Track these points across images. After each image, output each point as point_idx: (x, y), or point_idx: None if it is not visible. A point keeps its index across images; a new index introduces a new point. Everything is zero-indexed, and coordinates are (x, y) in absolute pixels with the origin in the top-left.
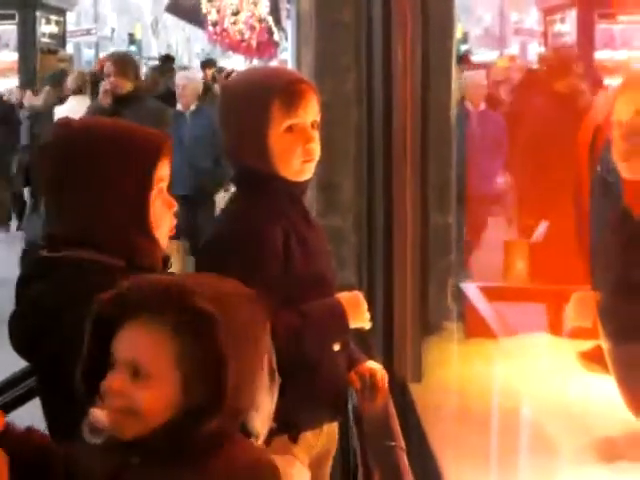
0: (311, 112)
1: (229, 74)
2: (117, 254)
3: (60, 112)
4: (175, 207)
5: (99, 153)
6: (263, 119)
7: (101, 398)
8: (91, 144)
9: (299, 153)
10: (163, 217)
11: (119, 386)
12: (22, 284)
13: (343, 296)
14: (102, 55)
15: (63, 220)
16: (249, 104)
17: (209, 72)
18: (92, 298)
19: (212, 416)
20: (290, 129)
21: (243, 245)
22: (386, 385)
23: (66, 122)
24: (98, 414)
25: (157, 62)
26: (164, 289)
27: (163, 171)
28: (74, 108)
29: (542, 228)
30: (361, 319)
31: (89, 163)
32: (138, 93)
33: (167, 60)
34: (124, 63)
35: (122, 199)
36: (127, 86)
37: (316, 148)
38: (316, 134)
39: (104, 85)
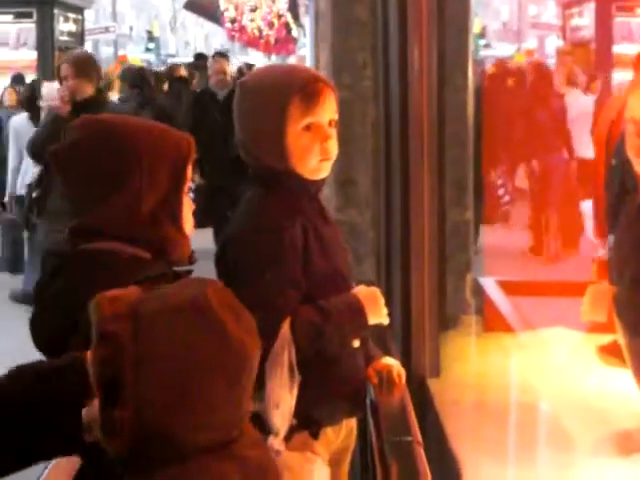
0: (329, 110)
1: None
2: (148, 247)
3: (15, 122)
4: (194, 207)
5: (135, 149)
6: (281, 117)
7: None
8: (126, 140)
9: (317, 151)
10: (188, 215)
11: None
12: (47, 279)
13: (361, 292)
14: (121, 53)
15: (91, 213)
16: (267, 102)
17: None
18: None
19: (115, 440)
20: (308, 127)
21: (263, 242)
22: (403, 380)
23: (98, 118)
24: None
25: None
26: None
27: (190, 171)
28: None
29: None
30: (379, 315)
31: (124, 158)
32: (100, 97)
33: (201, 58)
34: (84, 64)
35: (158, 194)
36: (88, 90)
37: (334, 147)
38: (334, 132)
39: (60, 91)
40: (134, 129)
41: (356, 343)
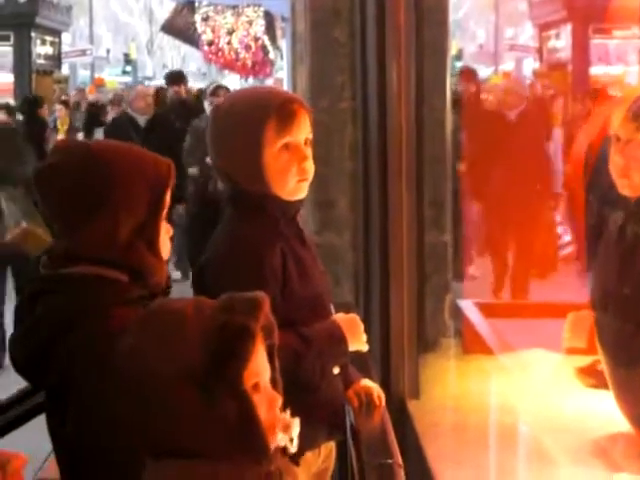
0: (304, 130)
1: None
2: (126, 271)
3: None
4: (171, 233)
5: (114, 174)
6: (258, 139)
7: None
8: (107, 165)
9: (294, 172)
10: (165, 240)
11: None
12: (28, 302)
13: (341, 319)
14: (97, 75)
15: (70, 237)
16: (243, 124)
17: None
18: (100, 313)
19: None
20: (285, 147)
21: (241, 266)
22: (383, 403)
23: (76, 143)
24: None
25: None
26: None
27: (168, 197)
28: None
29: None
30: (359, 342)
31: (103, 183)
32: None
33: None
34: None
35: (136, 219)
36: None
37: (311, 166)
38: (309, 152)
39: None
40: (114, 153)
41: (336, 370)
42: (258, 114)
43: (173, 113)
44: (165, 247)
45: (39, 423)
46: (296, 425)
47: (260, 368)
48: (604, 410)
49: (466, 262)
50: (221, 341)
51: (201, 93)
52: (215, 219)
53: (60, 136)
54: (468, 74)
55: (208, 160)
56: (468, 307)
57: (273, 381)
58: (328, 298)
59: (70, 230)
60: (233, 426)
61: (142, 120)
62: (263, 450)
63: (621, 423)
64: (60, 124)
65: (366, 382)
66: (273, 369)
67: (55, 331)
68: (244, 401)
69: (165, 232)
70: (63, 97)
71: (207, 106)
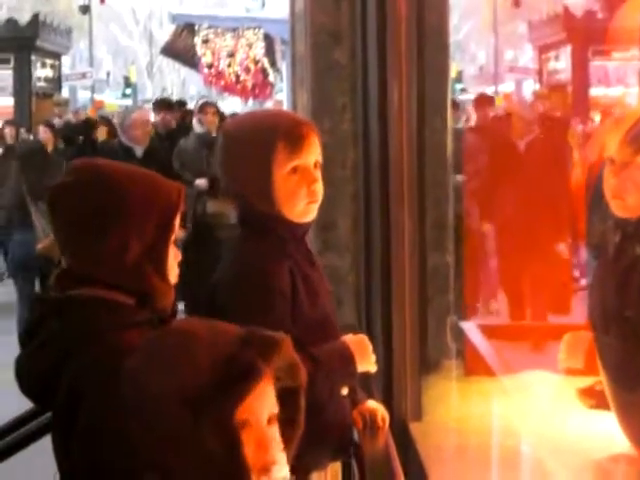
0: (314, 152)
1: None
2: (133, 294)
3: None
4: (179, 258)
5: (125, 197)
6: (267, 162)
7: None
8: (118, 187)
9: (304, 194)
10: (173, 264)
11: None
12: (34, 325)
13: (350, 340)
14: (98, 98)
15: (78, 259)
16: (253, 148)
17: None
18: (105, 337)
19: None
20: (294, 170)
21: (252, 288)
22: (387, 424)
23: (90, 163)
24: None
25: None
26: None
27: (177, 221)
28: None
29: None
30: (368, 363)
31: (115, 206)
32: None
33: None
34: None
35: (144, 243)
36: None
37: (320, 189)
38: (319, 174)
39: None
40: (125, 176)
41: (344, 391)
42: (268, 137)
43: (161, 146)
44: (173, 271)
45: (44, 444)
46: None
47: (256, 407)
48: (605, 431)
49: (488, 297)
50: (225, 374)
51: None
52: (205, 242)
53: None
54: (483, 100)
55: (197, 182)
56: (470, 328)
57: (291, 421)
58: (335, 319)
59: (79, 251)
60: (217, 458)
61: (139, 150)
62: None
63: (623, 444)
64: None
65: (371, 403)
66: (297, 410)
67: (59, 357)
68: (229, 435)
69: (173, 257)
70: (55, 119)
71: (195, 123)
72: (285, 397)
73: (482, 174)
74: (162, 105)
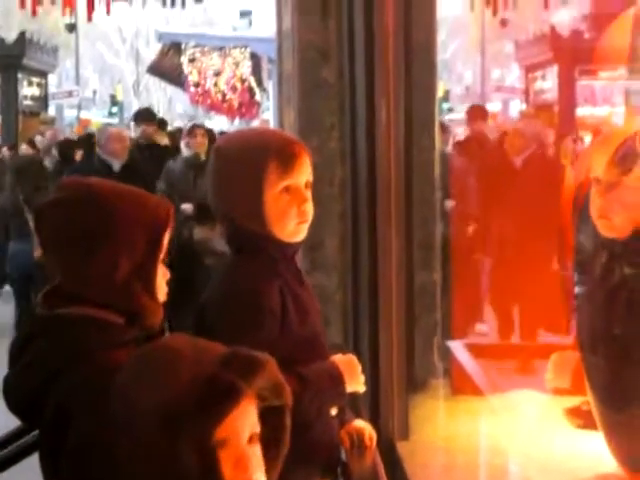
0: (305, 172)
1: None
2: (122, 313)
3: None
4: (168, 276)
5: (115, 215)
6: (258, 181)
7: None
8: (107, 205)
9: (294, 214)
10: (162, 283)
11: None
12: (23, 343)
13: (339, 360)
14: (85, 116)
15: (66, 277)
16: (244, 167)
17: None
18: (93, 356)
19: None
20: (286, 190)
21: (241, 307)
22: (374, 444)
23: (78, 181)
24: None
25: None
26: None
27: (166, 239)
28: None
29: None
30: (356, 383)
31: (104, 224)
32: None
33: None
34: None
35: (133, 261)
36: None
37: (310, 209)
38: (309, 194)
39: None
40: (115, 194)
41: (333, 411)
42: (260, 156)
43: (141, 157)
44: (162, 290)
45: (31, 462)
46: None
47: (236, 426)
48: (593, 450)
49: (475, 319)
50: (206, 393)
51: (177, 133)
52: (191, 265)
53: None
54: (477, 111)
55: (183, 207)
56: (457, 348)
57: (276, 441)
58: (325, 338)
59: (68, 270)
60: (193, 475)
61: (117, 165)
62: None
63: (610, 463)
64: None
65: (358, 422)
66: (282, 429)
67: (47, 375)
68: (207, 454)
69: (162, 275)
70: (38, 136)
71: (183, 147)
72: (270, 416)
73: (474, 190)
74: (142, 117)
